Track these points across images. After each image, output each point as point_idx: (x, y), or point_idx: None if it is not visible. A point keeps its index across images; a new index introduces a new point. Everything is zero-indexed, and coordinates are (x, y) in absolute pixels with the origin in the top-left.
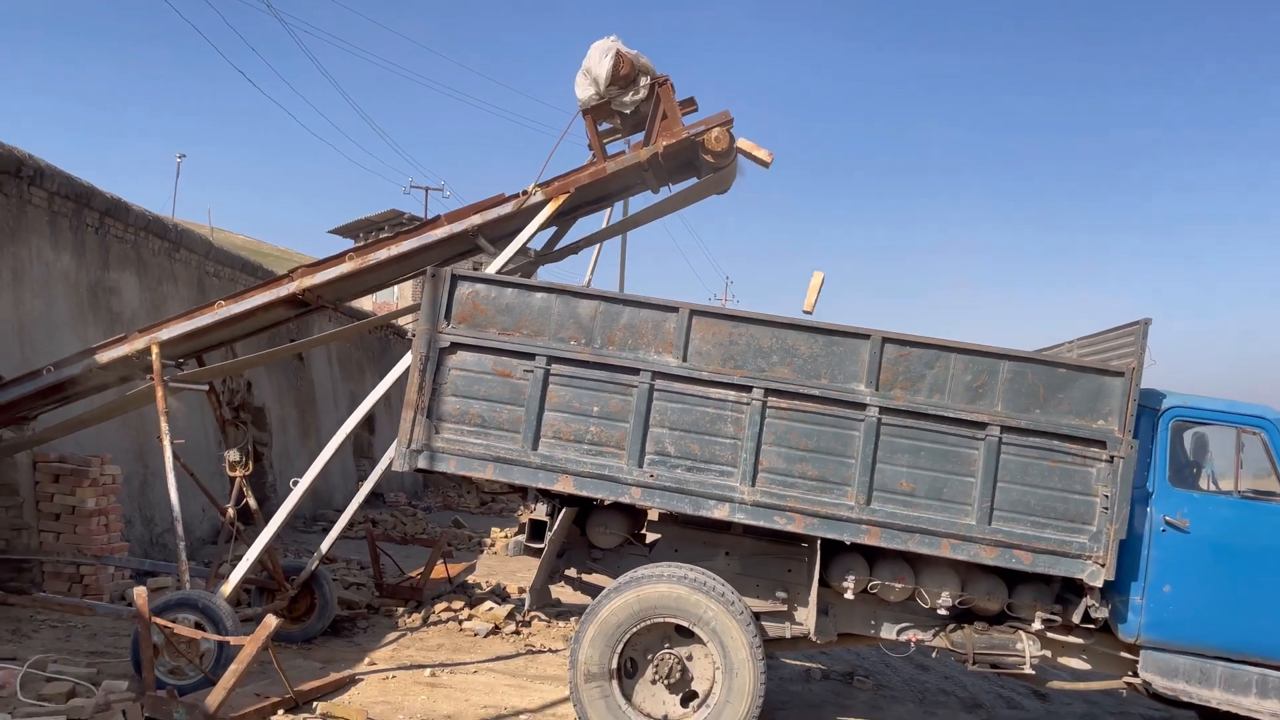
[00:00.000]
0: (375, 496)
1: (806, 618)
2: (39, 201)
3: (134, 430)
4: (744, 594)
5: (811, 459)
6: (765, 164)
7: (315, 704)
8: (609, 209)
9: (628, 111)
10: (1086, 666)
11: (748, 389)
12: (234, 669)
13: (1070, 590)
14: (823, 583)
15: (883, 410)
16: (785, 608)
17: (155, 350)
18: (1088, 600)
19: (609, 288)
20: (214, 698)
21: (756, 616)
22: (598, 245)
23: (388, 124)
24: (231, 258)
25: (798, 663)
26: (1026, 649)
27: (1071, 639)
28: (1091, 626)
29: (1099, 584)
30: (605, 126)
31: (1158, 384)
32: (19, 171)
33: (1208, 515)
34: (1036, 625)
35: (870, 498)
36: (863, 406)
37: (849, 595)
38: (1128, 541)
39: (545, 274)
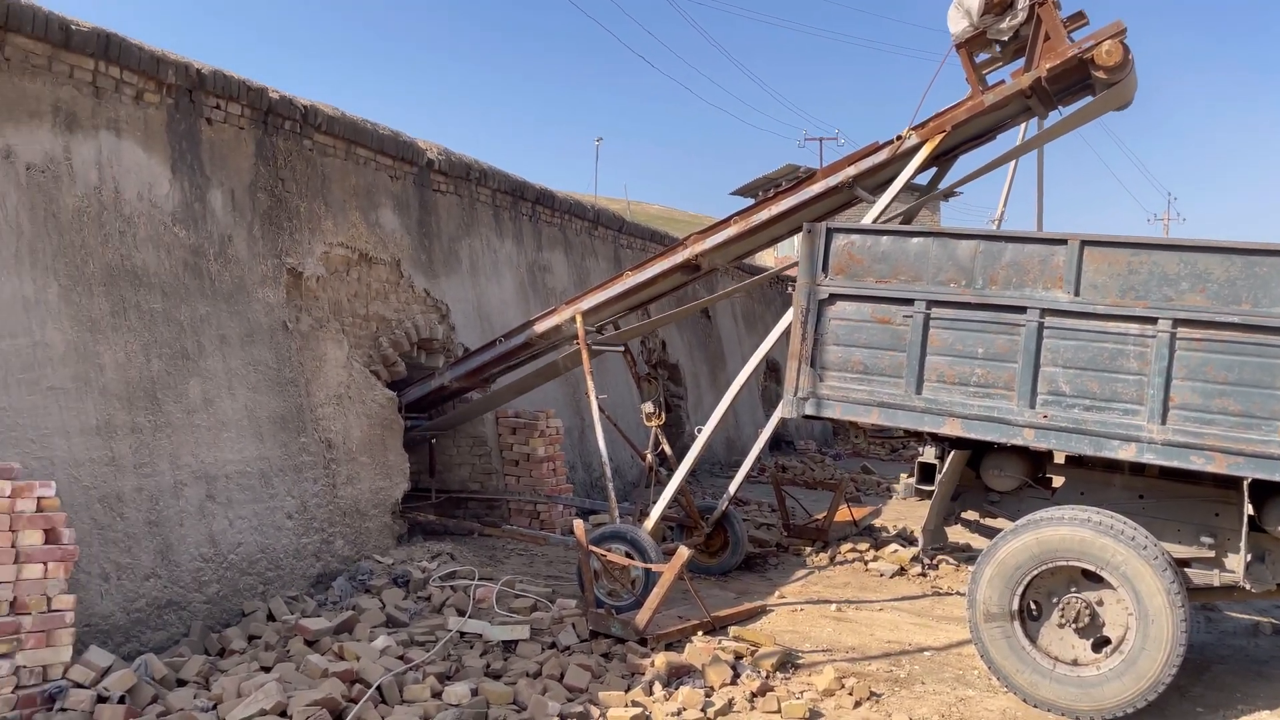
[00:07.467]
0: (786, 444)
1: (1237, 565)
2: (484, 199)
3: (572, 388)
4: (1162, 539)
5: (1233, 393)
6: None
7: (729, 629)
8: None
9: (1006, 39)
10: None
11: (1153, 321)
12: (657, 592)
13: None
14: (1257, 527)
15: None
16: (1212, 554)
17: (579, 319)
18: None
19: (1025, 217)
20: (641, 616)
21: (1178, 563)
22: (1009, 178)
23: (784, 81)
24: (640, 229)
25: (1245, 615)
26: None
27: None
28: None
29: None
30: (983, 57)
31: None
32: (468, 175)
33: None
34: None
35: None
36: None
37: None
38: None
39: (946, 212)
